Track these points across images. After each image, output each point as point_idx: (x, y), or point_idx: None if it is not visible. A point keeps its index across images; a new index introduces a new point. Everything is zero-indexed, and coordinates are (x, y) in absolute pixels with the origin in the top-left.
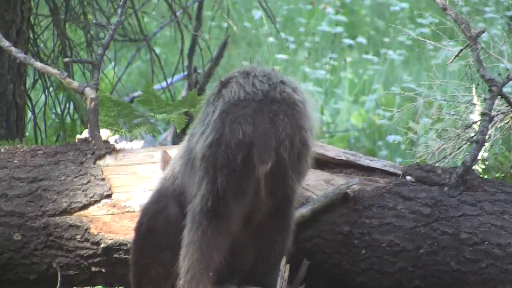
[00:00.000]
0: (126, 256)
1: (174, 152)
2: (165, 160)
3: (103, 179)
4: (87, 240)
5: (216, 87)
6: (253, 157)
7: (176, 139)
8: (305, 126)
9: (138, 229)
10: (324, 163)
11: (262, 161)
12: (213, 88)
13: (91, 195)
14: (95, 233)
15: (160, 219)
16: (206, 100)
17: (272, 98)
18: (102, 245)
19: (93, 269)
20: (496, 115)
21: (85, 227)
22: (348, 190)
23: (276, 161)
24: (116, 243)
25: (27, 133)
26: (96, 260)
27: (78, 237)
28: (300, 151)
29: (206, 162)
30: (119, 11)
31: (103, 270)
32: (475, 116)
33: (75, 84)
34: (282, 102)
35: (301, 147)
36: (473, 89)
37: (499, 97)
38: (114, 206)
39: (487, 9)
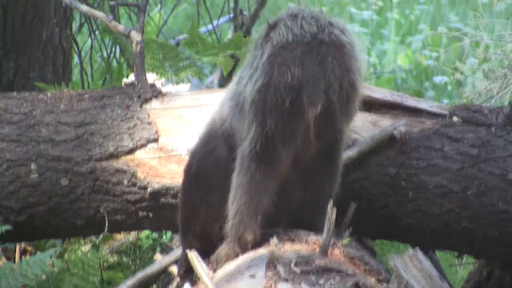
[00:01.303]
0: (173, 201)
1: (221, 95)
2: None
3: (150, 123)
4: (134, 184)
5: (264, 30)
6: (302, 100)
7: (223, 82)
8: (353, 68)
9: (188, 170)
10: (371, 105)
11: (312, 103)
12: (261, 31)
13: (138, 139)
14: (142, 178)
15: (210, 160)
16: (255, 43)
17: (320, 40)
18: (149, 190)
19: (140, 213)
20: None
21: (132, 172)
22: (394, 132)
23: (325, 104)
24: (163, 187)
25: (73, 77)
26: (143, 204)
27: (125, 181)
28: (349, 94)
29: (255, 105)
30: None
31: (150, 214)
32: None
33: (120, 27)
34: (331, 44)
35: (350, 90)
36: None
37: None
38: (160, 149)
39: None
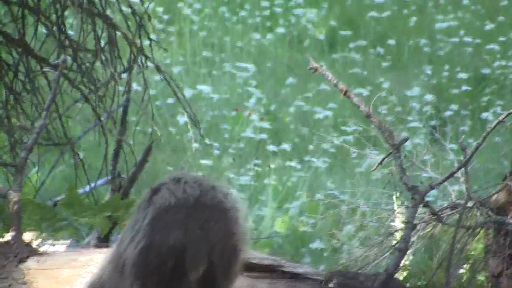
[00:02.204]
0: None
1: (99, 255)
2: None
3: (25, 283)
4: None
5: (147, 194)
6: (184, 263)
7: (99, 244)
8: (236, 232)
9: None
10: (249, 268)
11: (194, 267)
12: (144, 195)
13: None
14: None
15: None
16: (137, 207)
17: (203, 203)
18: None
19: None
20: (419, 223)
21: None
22: None
23: (207, 268)
24: None
25: None
26: None
27: None
28: (231, 258)
29: (135, 268)
30: (43, 114)
31: None
32: (398, 224)
33: None
34: (213, 207)
35: (232, 253)
36: (394, 196)
37: (421, 205)
38: None
39: (410, 118)
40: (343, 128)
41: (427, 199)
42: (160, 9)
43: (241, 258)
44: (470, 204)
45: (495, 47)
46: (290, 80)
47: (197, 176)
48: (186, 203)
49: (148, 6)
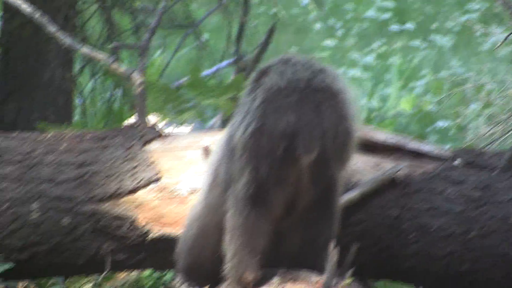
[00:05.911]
0: (173, 240)
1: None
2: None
3: (151, 164)
4: (135, 225)
5: (255, 75)
6: (296, 147)
7: (224, 125)
8: (348, 115)
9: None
10: (373, 147)
11: (307, 151)
12: (252, 76)
13: (139, 180)
14: (144, 218)
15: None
16: (246, 88)
17: (314, 87)
18: (150, 235)
19: (142, 253)
20: None
21: (133, 213)
22: (396, 174)
23: (320, 151)
24: (164, 233)
25: (75, 119)
26: (144, 245)
27: (127, 222)
28: (343, 140)
29: (248, 151)
30: None
31: (152, 254)
32: None
33: (122, 69)
34: (325, 91)
35: (345, 136)
36: None
37: None
38: (162, 190)
39: None
40: (468, 5)
41: None
42: None
43: (354, 140)
44: None
45: None
46: None
47: (305, 57)
48: (297, 86)
49: None
